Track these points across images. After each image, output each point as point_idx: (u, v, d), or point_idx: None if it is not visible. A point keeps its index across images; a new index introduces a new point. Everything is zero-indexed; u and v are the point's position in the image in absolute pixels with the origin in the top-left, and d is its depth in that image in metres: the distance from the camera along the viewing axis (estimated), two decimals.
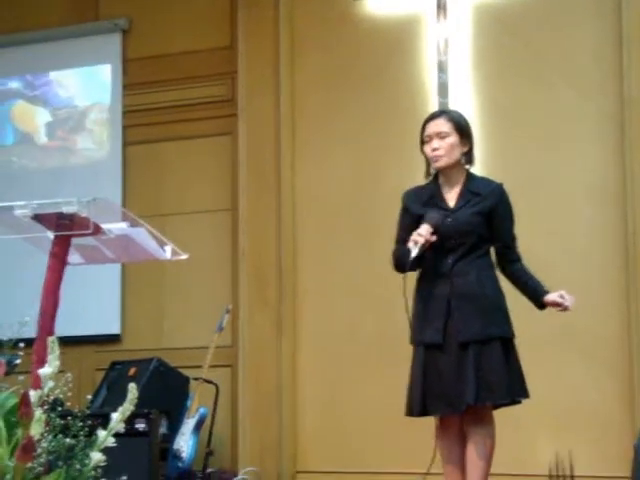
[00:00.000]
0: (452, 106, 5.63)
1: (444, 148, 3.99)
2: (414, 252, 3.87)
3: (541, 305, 4.03)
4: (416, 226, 3.94)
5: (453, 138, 4.01)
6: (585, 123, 5.70)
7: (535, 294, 4.03)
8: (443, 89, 5.91)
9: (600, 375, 5.50)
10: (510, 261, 4.07)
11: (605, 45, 5.66)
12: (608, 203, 5.61)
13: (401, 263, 3.97)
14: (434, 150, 3.99)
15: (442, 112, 4.18)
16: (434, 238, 3.89)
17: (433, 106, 5.80)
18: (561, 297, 3.97)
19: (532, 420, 5.37)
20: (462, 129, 4.05)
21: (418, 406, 3.93)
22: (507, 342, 3.95)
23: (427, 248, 3.90)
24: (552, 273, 5.59)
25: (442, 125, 4.03)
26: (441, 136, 4.01)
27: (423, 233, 3.88)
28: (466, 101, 5.82)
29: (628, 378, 5.40)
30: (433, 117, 4.12)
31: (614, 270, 5.54)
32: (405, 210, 4.10)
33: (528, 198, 5.27)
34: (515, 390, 3.93)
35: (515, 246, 4.06)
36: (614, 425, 5.43)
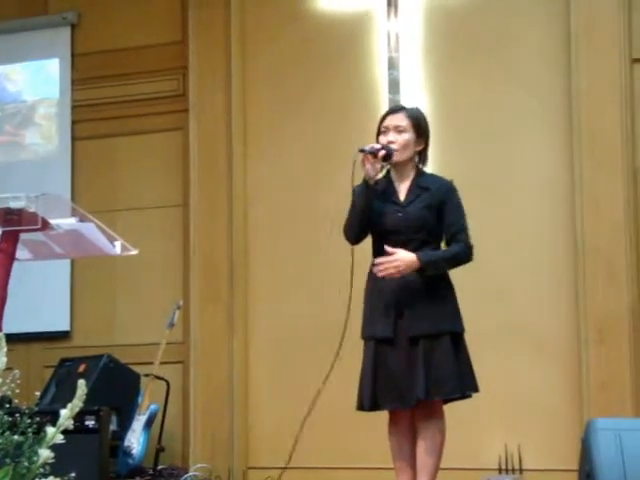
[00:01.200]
0: (403, 102, 5.65)
1: (399, 143, 4.01)
2: (367, 147, 3.93)
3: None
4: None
5: (409, 135, 4.03)
6: (534, 119, 5.75)
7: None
8: (394, 85, 5.93)
9: (549, 369, 5.56)
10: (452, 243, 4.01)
11: (553, 42, 5.72)
12: (557, 198, 5.67)
13: (350, 213, 3.99)
14: (389, 142, 4.00)
15: (403, 108, 4.19)
16: (383, 152, 3.92)
17: (384, 102, 5.82)
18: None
19: (482, 414, 5.41)
20: (420, 128, 4.07)
21: (369, 400, 3.95)
22: (457, 337, 3.98)
23: (378, 160, 3.92)
24: (502, 268, 5.67)
25: (401, 120, 4.06)
26: (398, 130, 4.03)
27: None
28: (417, 97, 5.85)
29: (576, 372, 5.46)
30: (394, 111, 4.16)
31: (563, 265, 5.60)
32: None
33: (477, 194, 5.30)
34: (465, 385, 3.96)
35: (463, 238, 4.01)
36: (562, 419, 5.49)
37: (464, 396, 4.00)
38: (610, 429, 3.56)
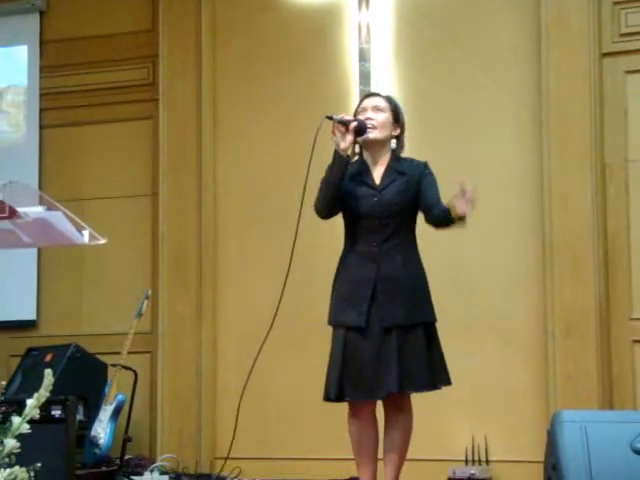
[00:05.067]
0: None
1: (378, 120, 3.99)
2: (337, 117, 3.91)
3: (452, 216, 3.80)
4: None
5: (387, 115, 4.03)
6: (504, 114, 5.77)
7: (447, 211, 3.84)
8: (365, 77, 5.93)
9: (516, 361, 5.60)
10: (435, 206, 3.94)
11: (523, 36, 5.74)
12: (526, 193, 5.69)
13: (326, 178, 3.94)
14: (367, 119, 3.98)
15: (381, 94, 4.20)
16: (354, 124, 3.89)
17: (355, 94, 5.82)
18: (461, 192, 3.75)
19: (449, 405, 5.43)
20: (397, 112, 4.08)
21: (335, 390, 3.88)
22: (430, 327, 3.96)
23: (350, 133, 3.89)
24: (470, 261, 5.70)
25: (380, 101, 4.07)
26: (376, 109, 4.02)
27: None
28: (388, 89, 5.84)
29: (543, 365, 5.50)
30: (373, 94, 4.19)
31: (531, 258, 5.63)
32: None
33: (446, 187, 5.26)
34: (437, 378, 3.94)
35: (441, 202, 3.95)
36: (529, 411, 5.52)
37: (434, 388, 3.98)
38: (576, 421, 3.59)
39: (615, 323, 5.49)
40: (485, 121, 5.80)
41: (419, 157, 5.05)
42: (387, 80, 5.91)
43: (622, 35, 5.60)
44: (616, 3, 5.61)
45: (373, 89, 5.79)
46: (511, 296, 5.64)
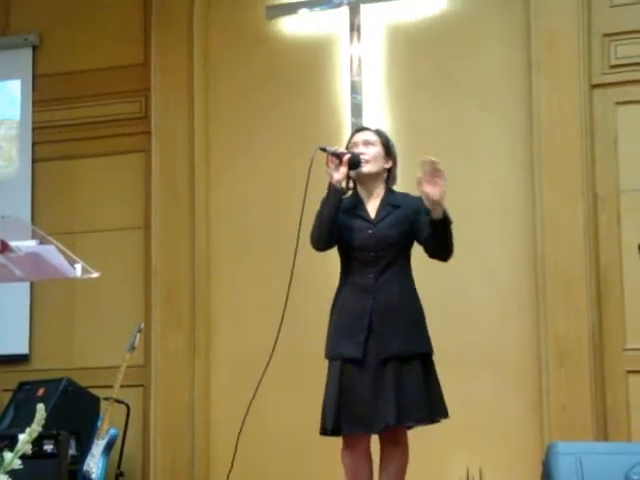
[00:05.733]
0: (366, 126, 5.67)
1: (370, 154, 4.00)
2: (330, 149, 3.92)
3: (434, 218, 3.76)
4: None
5: (379, 149, 4.04)
6: (496, 144, 5.80)
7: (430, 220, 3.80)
8: (357, 109, 5.96)
9: (510, 391, 5.58)
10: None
11: (514, 66, 5.78)
12: (518, 222, 5.70)
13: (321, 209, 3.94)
14: (360, 153, 3.99)
15: (370, 127, 4.22)
16: (348, 156, 3.90)
17: (347, 126, 5.85)
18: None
19: (443, 436, 5.39)
20: (388, 146, 4.09)
21: (332, 423, 3.83)
22: (427, 359, 3.92)
23: (344, 165, 3.90)
24: (462, 289, 5.70)
25: (370, 135, 4.08)
26: (367, 143, 4.03)
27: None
28: (379, 121, 5.87)
29: (537, 394, 5.49)
30: (362, 129, 4.20)
31: (524, 286, 5.63)
32: None
33: None
34: (435, 410, 3.90)
35: None
36: (523, 441, 5.50)
37: (432, 421, 3.94)
38: (571, 453, 3.59)
39: (609, 353, 5.48)
40: (477, 153, 5.82)
41: (411, 187, 5.05)
42: (379, 112, 5.94)
43: (612, 67, 5.64)
44: (606, 35, 5.65)
45: (365, 121, 5.82)
46: (504, 326, 5.64)
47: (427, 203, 3.72)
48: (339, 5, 6.08)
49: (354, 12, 6.04)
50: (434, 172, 3.69)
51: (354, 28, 6.03)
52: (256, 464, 5.89)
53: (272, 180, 6.12)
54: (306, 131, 6.02)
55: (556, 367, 5.42)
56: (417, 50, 5.96)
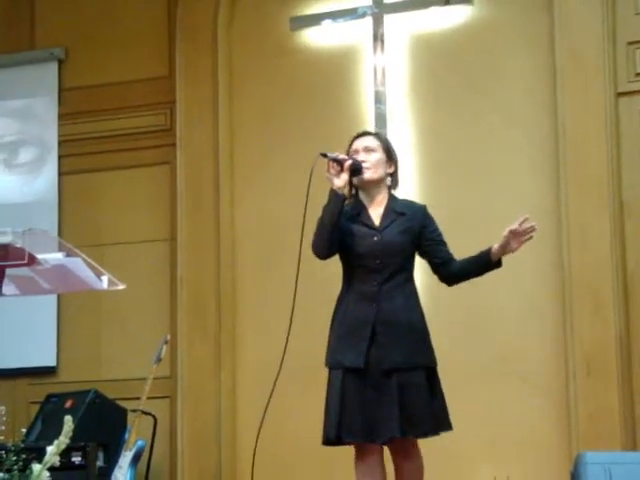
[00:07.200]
0: (390, 136, 5.66)
1: (371, 162, 3.95)
2: (331, 155, 3.88)
3: (494, 260, 3.88)
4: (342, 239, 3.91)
5: (380, 155, 3.98)
6: (520, 154, 5.78)
7: (482, 258, 3.90)
8: (381, 119, 5.96)
9: (537, 402, 5.55)
10: (450, 262, 3.95)
11: (538, 76, 5.77)
12: (544, 232, 5.63)
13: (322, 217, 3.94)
14: (362, 161, 3.94)
15: (371, 132, 4.19)
16: (349, 162, 3.87)
17: None
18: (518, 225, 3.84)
19: (470, 447, 5.39)
20: (389, 150, 4.03)
21: (334, 432, 3.77)
22: (430, 372, 3.86)
23: (345, 171, 3.87)
24: (488, 301, 5.67)
25: (370, 141, 4.02)
26: (368, 149, 3.98)
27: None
28: (403, 131, 5.88)
29: (565, 403, 5.46)
30: (362, 135, 4.10)
31: (550, 295, 5.61)
32: None
33: (463, 228, 5.30)
34: (439, 423, 3.83)
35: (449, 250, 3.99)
36: (551, 452, 5.47)
37: (437, 434, 3.85)
38: (599, 463, 3.56)
39: (636, 361, 5.45)
40: (501, 162, 5.81)
41: (435, 197, 5.06)
42: (403, 122, 5.94)
43: (637, 74, 5.61)
44: (631, 43, 5.63)
45: (389, 131, 5.82)
46: (530, 335, 5.61)
47: (503, 249, 3.85)
48: (363, 16, 6.09)
49: (378, 22, 6.04)
50: (526, 232, 3.85)
51: (378, 38, 6.03)
52: (280, 473, 5.89)
53: (297, 191, 6.07)
54: (330, 141, 5.98)
55: (583, 376, 5.38)
56: (441, 60, 5.96)
